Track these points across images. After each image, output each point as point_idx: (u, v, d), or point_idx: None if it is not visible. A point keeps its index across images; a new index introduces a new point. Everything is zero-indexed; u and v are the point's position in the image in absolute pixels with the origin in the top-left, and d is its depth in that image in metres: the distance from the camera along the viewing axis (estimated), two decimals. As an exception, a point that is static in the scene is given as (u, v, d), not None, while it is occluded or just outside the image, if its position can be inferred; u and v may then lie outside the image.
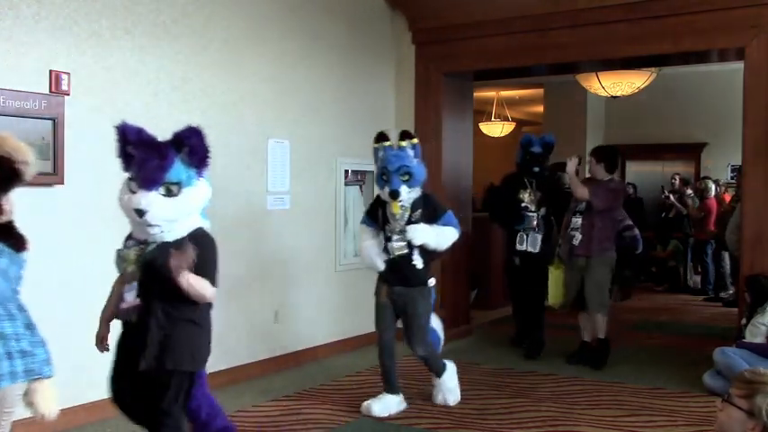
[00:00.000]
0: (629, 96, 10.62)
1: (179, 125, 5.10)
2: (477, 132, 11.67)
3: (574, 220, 6.09)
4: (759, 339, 5.30)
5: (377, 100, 7.11)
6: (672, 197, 10.88)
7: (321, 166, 6.42)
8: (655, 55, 6.45)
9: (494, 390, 5.47)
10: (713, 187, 10.25)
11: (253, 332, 5.77)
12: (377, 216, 4.93)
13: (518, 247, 6.48)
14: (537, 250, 6.45)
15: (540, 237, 6.45)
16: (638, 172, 13.32)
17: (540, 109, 13.91)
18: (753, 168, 5.73)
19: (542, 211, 6.50)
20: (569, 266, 6.21)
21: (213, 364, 5.44)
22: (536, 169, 6.51)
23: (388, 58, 7.26)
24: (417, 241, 4.73)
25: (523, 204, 6.49)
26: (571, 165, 6.08)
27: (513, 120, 14.92)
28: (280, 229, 6.01)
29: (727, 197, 10.19)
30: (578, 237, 6.01)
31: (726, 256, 9.84)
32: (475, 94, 8.17)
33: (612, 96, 10.51)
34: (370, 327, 6.96)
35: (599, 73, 9.81)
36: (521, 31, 6.59)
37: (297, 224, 6.18)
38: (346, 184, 6.73)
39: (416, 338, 4.89)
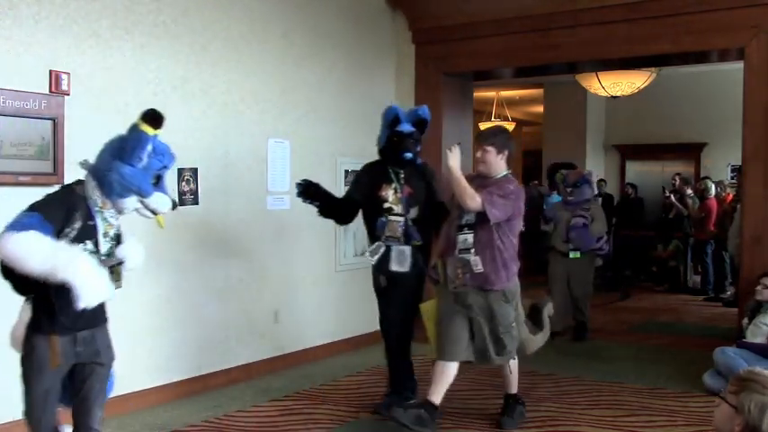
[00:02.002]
0: (629, 96, 10.63)
1: (179, 125, 5.14)
2: (477, 132, 11.65)
3: (461, 237, 4.35)
4: (760, 339, 5.30)
5: (377, 100, 7.10)
6: (673, 197, 10.89)
7: (321, 166, 6.41)
8: (654, 55, 6.45)
9: (494, 390, 5.46)
10: (713, 187, 10.25)
11: (253, 332, 5.77)
12: None
13: (390, 265, 4.70)
14: (406, 269, 4.68)
15: (408, 250, 4.68)
16: (638, 172, 13.33)
17: (540, 109, 13.92)
18: (753, 168, 5.73)
19: (413, 213, 4.73)
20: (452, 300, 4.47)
21: (213, 364, 5.47)
22: (407, 155, 4.72)
23: (389, 57, 7.26)
24: None
25: (386, 205, 4.71)
26: (453, 157, 4.29)
27: (513, 120, 14.94)
28: (280, 229, 6.01)
29: (730, 197, 10.19)
30: (476, 260, 4.31)
31: (726, 256, 9.85)
32: (475, 94, 8.17)
33: (612, 96, 10.52)
34: (369, 327, 6.99)
35: (599, 73, 9.82)
36: (521, 31, 6.59)
37: (297, 224, 6.17)
38: (346, 184, 6.71)
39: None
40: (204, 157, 5.34)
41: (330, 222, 6.52)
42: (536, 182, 13.15)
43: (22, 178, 4.17)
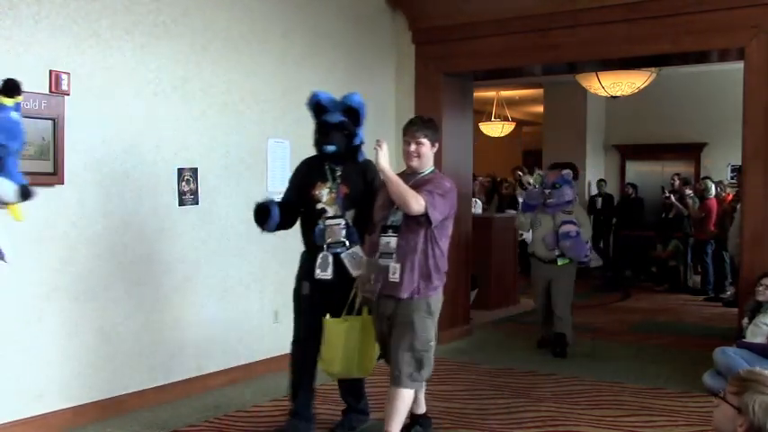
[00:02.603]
0: (629, 96, 10.63)
1: (179, 125, 5.14)
2: (477, 132, 11.67)
3: (383, 240, 3.85)
4: (760, 339, 5.30)
5: (377, 100, 7.10)
6: (672, 197, 10.89)
7: (321, 166, 6.40)
8: (654, 55, 6.45)
9: (494, 390, 5.47)
10: (713, 187, 10.25)
11: (253, 332, 5.77)
12: None
13: (316, 270, 4.24)
14: (329, 276, 4.15)
15: (359, 251, 4.18)
16: (638, 172, 13.34)
17: (540, 109, 13.93)
18: (753, 168, 5.73)
19: (350, 215, 4.19)
20: (375, 312, 4.03)
21: (213, 364, 5.47)
22: (329, 148, 4.17)
23: (389, 57, 7.25)
24: None
25: (320, 205, 4.20)
26: (384, 156, 3.80)
27: (513, 120, 14.94)
28: (280, 229, 6.00)
29: (730, 197, 10.19)
30: (395, 267, 3.80)
31: (726, 256, 9.86)
32: (475, 94, 8.17)
33: (612, 96, 10.52)
34: (370, 327, 6.99)
35: (599, 73, 9.83)
36: (521, 31, 6.58)
37: (297, 224, 6.15)
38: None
39: None
40: (204, 157, 5.34)
41: (330, 222, 6.54)
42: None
43: (22, 178, 4.16)
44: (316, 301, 4.28)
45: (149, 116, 4.94)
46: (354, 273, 4.14)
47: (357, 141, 4.29)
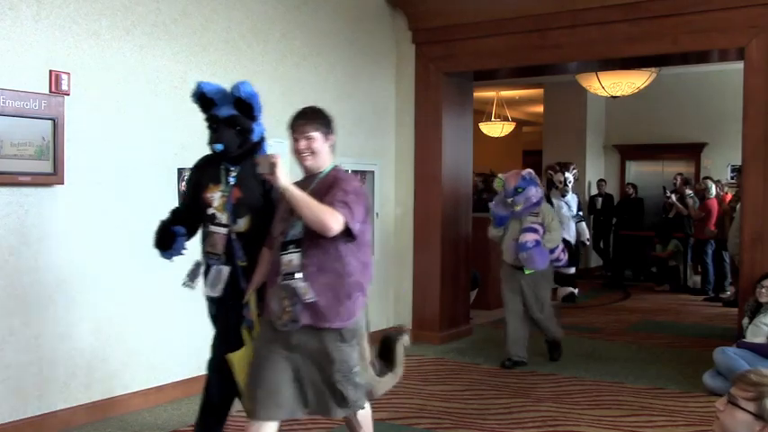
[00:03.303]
0: (629, 96, 10.63)
1: (179, 125, 5.14)
2: (477, 132, 11.67)
3: (285, 258, 3.14)
4: (759, 339, 5.30)
5: (377, 100, 7.11)
6: (674, 197, 10.89)
7: (321, 166, 6.40)
8: (654, 55, 6.45)
9: (494, 390, 5.47)
10: (714, 187, 10.26)
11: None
12: None
13: (205, 287, 3.61)
14: (217, 293, 3.53)
15: (226, 271, 3.51)
16: (638, 172, 13.35)
17: (540, 109, 13.93)
18: (753, 168, 5.73)
19: (242, 223, 3.53)
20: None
21: (213, 364, 5.47)
22: (217, 147, 3.57)
23: (389, 57, 7.25)
24: None
25: (210, 210, 3.57)
26: (283, 170, 3.16)
27: (513, 120, 14.95)
28: (280, 229, 6.00)
29: (728, 197, 10.20)
30: (304, 287, 3.09)
31: (726, 255, 9.86)
32: (475, 94, 8.17)
33: (612, 96, 10.52)
34: (369, 327, 6.98)
35: (599, 73, 9.83)
36: (521, 31, 6.58)
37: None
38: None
39: None
40: (204, 157, 5.33)
41: (330, 222, 6.54)
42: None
43: (22, 178, 4.17)
44: (217, 322, 3.67)
45: (149, 116, 4.94)
46: (208, 291, 3.54)
47: (255, 138, 3.65)
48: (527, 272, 6.02)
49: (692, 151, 12.68)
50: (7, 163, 4.10)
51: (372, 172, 6.98)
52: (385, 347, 3.86)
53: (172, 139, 5.10)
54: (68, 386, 4.50)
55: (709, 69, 11.19)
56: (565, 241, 9.30)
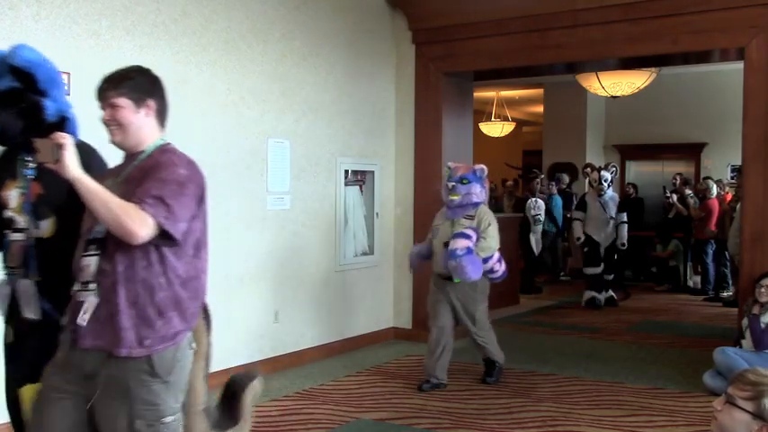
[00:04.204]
0: (629, 96, 10.63)
1: (179, 125, 5.13)
2: (477, 132, 11.68)
3: (84, 261, 2.45)
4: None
5: (377, 100, 7.12)
6: (674, 197, 10.89)
7: (321, 166, 6.42)
8: (655, 55, 6.45)
9: (494, 390, 5.47)
10: (714, 187, 10.25)
11: (253, 332, 5.77)
12: None
13: (21, 309, 2.78)
14: (36, 315, 2.75)
15: (30, 287, 2.76)
16: (638, 172, 13.35)
17: (540, 109, 13.93)
18: (753, 168, 5.73)
19: (45, 227, 2.78)
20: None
21: (214, 364, 5.46)
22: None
23: (389, 57, 7.26)
24: None
25: (8, 214, 2.83)
26: (71, 157, 2.41)
27: (513, 120, 14.95)
28: (280, 229, 6.01)
29: (729, 197, 10.20)
30: (89, 304, 2.40)
31: (726, 255, 9.85)
32: (475, 94, 8.17)
33: (612, 96, 10.52)
34: (369, 327, 7.00)
35: (599, 73, 9.82)
36: (521, 31, 6.58)
37: (297, 224, 6.18)
38: (346, 184, 6.73)
39: None
40: (204, 157, 5.32)
41: (330, 222, 6.56)
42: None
43: (21, 178, 4.16)
44: (23, 351, 2.83)
45: (149, 116, 4.94)
46: (27, 313, 2.74)
47: (50, 116, 2.87)
48: (456, 281, 5.30)
49: (692, 151, 12.68)
50: (7, 163, 4.09)
51: (372, 172, 6.99)
52: (229, 393, 3.10)
53: (172, 139, 5.08)
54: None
55: (710, 69, 11.18)
56: (592, 242, 9.11)
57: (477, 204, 5.41)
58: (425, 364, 5.56)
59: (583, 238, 9.32)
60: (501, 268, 5.51)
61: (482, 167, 5.53)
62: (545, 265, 11.55)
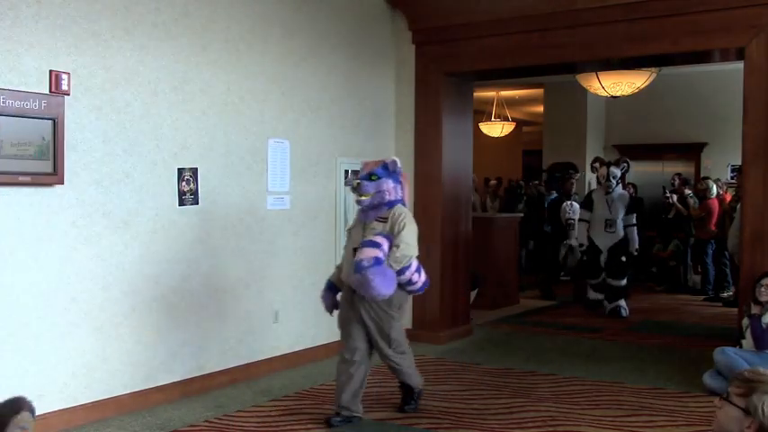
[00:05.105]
0: (629, 96, 10.64)
1: (179, 125, 5.14)
2: (477, 132, 11.67)
3: None
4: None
5: (377, 100, 7.12)
6: (673, 197, 10.89)
7: (321, 166, 6.42)
8: (655, 55, 6.44)
9: (494, 390, 5.47)
10: (715, 187, 10.25)
11: (253, 332, 5.77)
12: None
13: None
14: None
15: None
16: (638, 172, 13.33)
17: (540, 109, 13.95)
18: (753, 168, 5.73)
19: None
20: None
21: (213, 364, 5.47)
22: None
23: (389, 58, 7.26)
24: None
25: None
26: None
27: (513, 120, 14.95)
28: (280, 229, 6.01)
29: (728, 197, 10.20)
30: None
31: (726, 255, 9.85)
32: (475, 94, 8.17)
33: (612, 96, 10.52)
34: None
35: (599, 73, 9.83)
36: (521, 31, 6.59)
37: (297, 224, 6.18)
38: (346, 184, 6.71)
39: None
40: (204, 157, 5.34)
41: (330, 222, 6.56)
42: (536, 182, 13.16)
43: (22, 178, 4.17)
44: None
45: (149, 116, 4.95)
46: None
47: None
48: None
49: (692, 151, 12.69)
50: (7, 163, 4.10)
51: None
52: None
53: (172, 139, 5.10)
54: (68, 386, 4.50)
55: (710, 69, 11.18)
56: (593, 249, 8.61)
57: (391, 204, 4.60)
58: (337, 394, 4.69)
59: (585, 245, 8.96)
60: (420, 279, 4.66)
61: (394, 160, 4.74)
62: (563, 270, 10.92)
